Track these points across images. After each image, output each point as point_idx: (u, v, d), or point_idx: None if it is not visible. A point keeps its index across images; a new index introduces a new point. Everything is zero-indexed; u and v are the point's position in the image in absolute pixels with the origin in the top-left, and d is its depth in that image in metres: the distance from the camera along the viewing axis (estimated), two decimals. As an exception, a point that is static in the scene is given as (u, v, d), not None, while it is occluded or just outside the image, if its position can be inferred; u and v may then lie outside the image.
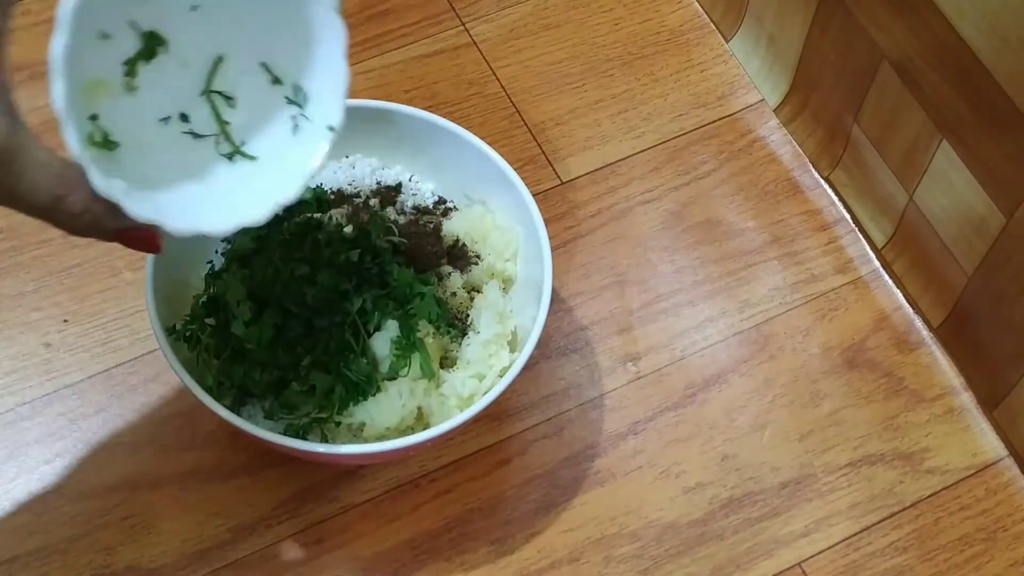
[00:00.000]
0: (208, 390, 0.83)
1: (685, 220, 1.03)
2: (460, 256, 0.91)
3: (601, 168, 1.05)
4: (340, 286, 0.84)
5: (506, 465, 0.93)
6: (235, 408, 0.85)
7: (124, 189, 0.64)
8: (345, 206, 0.91)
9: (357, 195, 0.92)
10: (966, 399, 0.97)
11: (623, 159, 1.06)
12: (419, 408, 0.85)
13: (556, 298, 0.99)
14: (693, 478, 0.93)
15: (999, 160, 0.86)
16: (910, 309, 1.00)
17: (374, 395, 0.83)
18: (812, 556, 0.91)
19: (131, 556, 0.89)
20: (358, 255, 0.85)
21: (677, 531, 0.91)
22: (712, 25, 1.12)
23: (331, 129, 0.71)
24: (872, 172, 1.00)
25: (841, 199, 1.04)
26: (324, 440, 0.84)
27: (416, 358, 0.84)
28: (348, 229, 0.86)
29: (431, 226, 0.91)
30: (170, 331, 0.84)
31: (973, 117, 0.86)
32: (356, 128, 0.93)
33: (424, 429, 0.85)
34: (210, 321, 0.86)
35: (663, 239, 1.02)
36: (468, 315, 0.89)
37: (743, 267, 1.01)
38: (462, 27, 1.11)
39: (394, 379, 0.84)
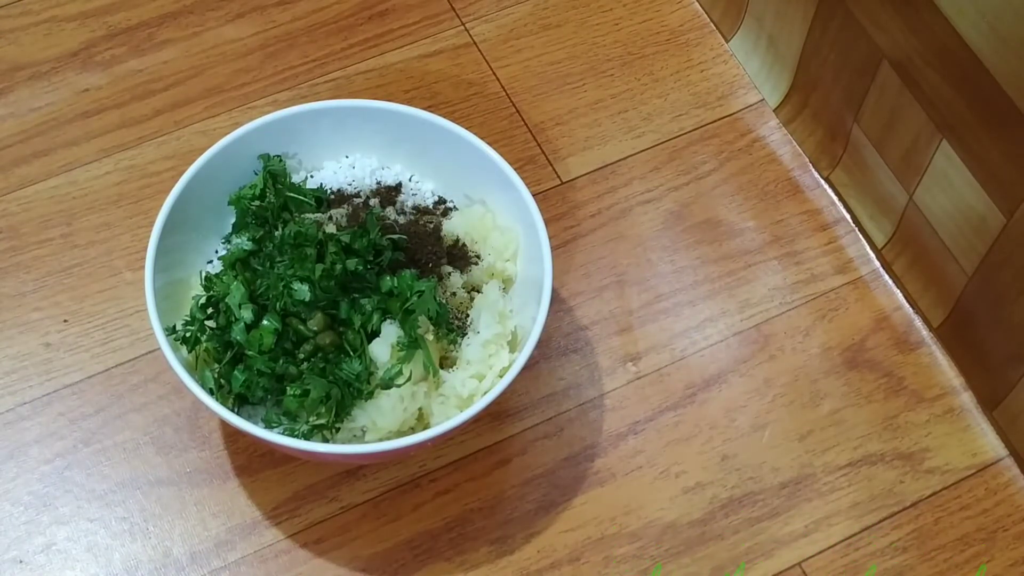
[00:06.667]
0: (208, 391, 0.83)
1: (685, 220, 1.03)
2: (460, 256, 0.91)
3: (601, 168, 1.05)
4: (337, 295, 0.84)
5: (506, 465, 0.93)
6: (235, 408, 0.85)
7: None
8: (345, 206, 0.91)
9: (357, 195, 0.92)
10: (966, 399, 0.97)
11: (623, 159, 1.06)
12: (419, 409, 0.85)
13: (556, 298, 0.99)
14: (693, 478, 0.93)
15: (999, 160, 0.86)
16: (910, 309, 1.00)
17: (370, 395, 0.83)
18: (812, 556, 0.91)
19: (130, 556, 0.89)
20: (356, 263, 0.85)
21: (677, 531, 0.91)
22: (712, 25, 1.12)
23: None
24: (872, 172, 1.00)
25: (841, 199, 1.04)
26: (325, 443, 0.84)
27: (419, 355, 0.84)
28: (345, 238, 0.86)
29: (431, 226, 0.91)
30: (170, 331, 0.84)
31: (973, 117, 0.86)
32: (356, 128, 0.93)
33: (424, 429, 0.85)
34: (210, 324, 0.85)
35: (663, 239, 1.02)
36: (468, 315, 0.89)
37: (743, 267, 1.01)
38: (462, 27, 1.11)
39: (389, 388, 0.83)
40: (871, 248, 1.02)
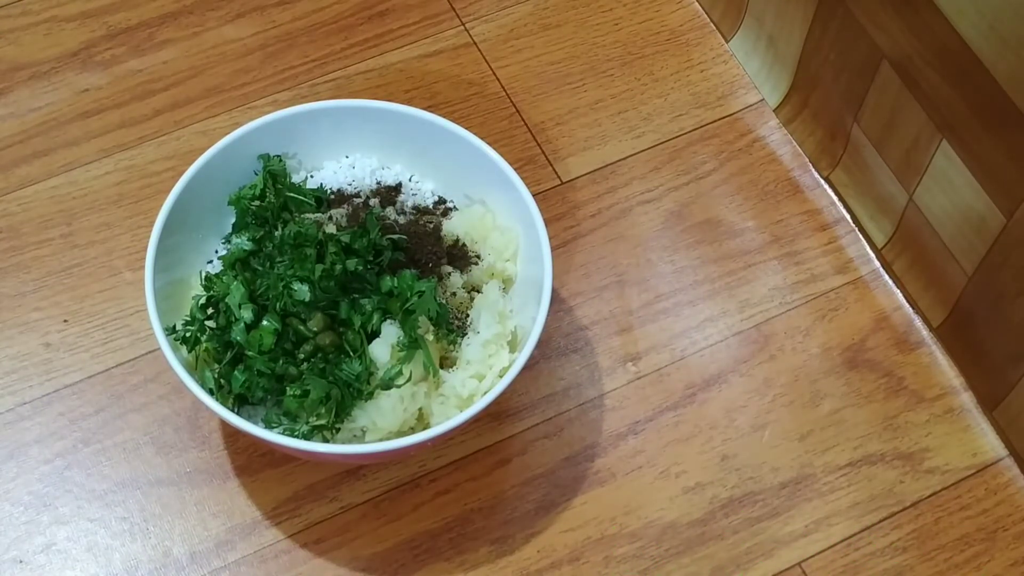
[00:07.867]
0: (208, 391, 0.83)
1: (685, 220, 1.03)
2: (460, 256, 0.91)
3: (601, 168, 1.05)
4: (337, 295, 0.84)
5: (506, 465, 0.93)
6: (235, 408, 0.85)
7: None
8: (345, 206, 0.91)
9: (357, 195, 0.92)
10: (966, 399, 0.97)
11: (623, 159, 1.06)
12: (419, 409, 0.85)
13: (556, 298, 0.99)
14: (693, 478, 0.93)
15: (999, 160, 0.86)
16: (910, 309, 1.00)
17: (370, 395, 0.83)
18: (812, 556, 0.91)
19: (130, 556, 0.89)
20: (356, 263, 0.85)
21: (677, 531, 0.91)
22: (712, 25, 1.12)
23: None
24: (872, 172, 1.00)
25: (841, 199, 1.04)
26: (325, 443, 0.84)
27: (419, 355, 0.84)
28: (345, 238, 0.86)
29: (431, 226, 0.91)
30: (170, 331, 0.84)
31: (973, 117, 0.86)
32: (356, 128, 0.93)
33: (424, 429, 0.85)
34: (210, 324, 0.85)
35: (663, 239, 1.02)
36: (468, 315, 0.89)
37: (743, 267, 1.01)
38: (462, 27, 1.11)
39: (389, 388, 0.83)
40: (871, 248, 1.02)
